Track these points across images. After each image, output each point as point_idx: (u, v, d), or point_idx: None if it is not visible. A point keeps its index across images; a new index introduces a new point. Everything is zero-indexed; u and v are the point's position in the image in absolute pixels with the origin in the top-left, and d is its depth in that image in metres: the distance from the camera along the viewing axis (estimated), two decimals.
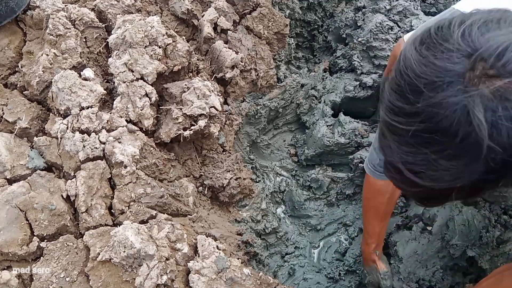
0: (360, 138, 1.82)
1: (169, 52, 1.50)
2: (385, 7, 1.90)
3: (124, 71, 1.42)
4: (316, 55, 2.21)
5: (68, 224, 1.23)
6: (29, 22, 1.50)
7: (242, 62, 1.69)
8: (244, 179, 1.66)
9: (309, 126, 1.94)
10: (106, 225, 1.26)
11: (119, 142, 1.33)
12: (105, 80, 1.51)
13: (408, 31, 1.83)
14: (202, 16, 1.73)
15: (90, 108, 1.35)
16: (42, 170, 1.31)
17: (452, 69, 0.65)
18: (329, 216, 1.85)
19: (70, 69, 1.40)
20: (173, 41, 1.50)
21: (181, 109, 1.46)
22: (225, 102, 1.73)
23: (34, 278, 1.16)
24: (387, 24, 1.84)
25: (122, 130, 1.35)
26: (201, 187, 1.61)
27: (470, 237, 1.44)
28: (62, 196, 1.26)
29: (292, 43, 2.00)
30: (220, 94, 1.59)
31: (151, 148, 1.40)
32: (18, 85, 1.44)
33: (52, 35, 1.41)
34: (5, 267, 1.19)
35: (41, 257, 1.19)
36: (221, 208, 1.67)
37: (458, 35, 0.67)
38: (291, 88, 1.89)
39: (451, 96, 0.64)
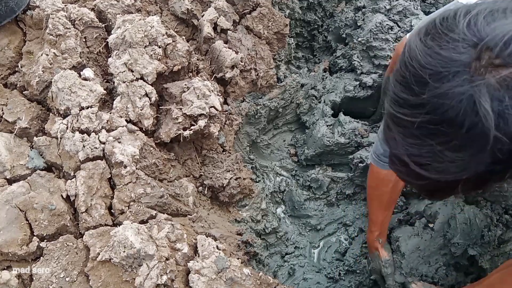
0: (360, 138, 1.82)
1: (169, 52, 1.50)
2: (385, 7, 1.90)
3: (124, 71, 1.42)
4: (316, 55, 2.21)
5: (68, 224, 1.23)
6: (29, 22, 1.50)
7: (242, 62, 1.69)
8: (244, 179, 1.66)
9: (309, 126, 1.94)
10: (106, 225, 1.26)
11: (119, 142, 1.33)
12: (105, 80, 1.51)
13: (408, 31, 1.83)
14: (202, 16, 1.73)
15: (90, 108, 1.35)
16: (42, 170, 1.31)
17: (458, 59, 0.65)
18: (329, 216, 1.85)
19: (70, 69, 1.40)
20: (173, 41, 1.50)
21: (181, 109, 1.46)
22: (225, 102, 1.73)
23: (34, 278, 1.15)
24: (387, 24, 1.84)
25: (122, 130, 1.35)
26: (201, 187, 1.61)
27: (471, 236, 1.43)
28: (62, 196, 1.26)
29: (292, 43, 2.00)
30: (220, 94, 1.59)
31: (151, 148, 1.40)
32: (18, 85, 1.44)
33: (52, 35, 1.41)
34: (5, 267, 1.19)
35: (41, 257, 1.19)
36: (221, 208, 1.67)
37: (464, 25, 0.67)
38: (291, 88, 1.89)
39: (457, 86, 0.64)
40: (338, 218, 1.85)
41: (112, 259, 1.14)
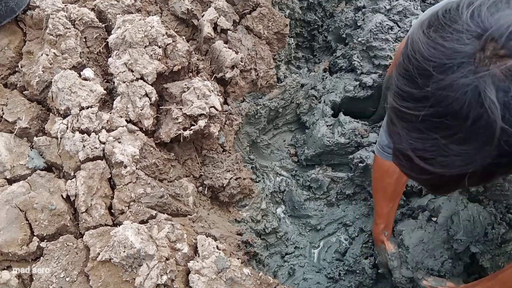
0: (360, 138, 1.82)
1: (169, 52, 1.50)
2: (385, 7, 1.90)
3: (124, 71, 1.42)
4: (316, 55, 2.21)
5: (68, 224, 1.23)
6: (29, 22, 1.50)
7: (242, 62, 1.69)
8: (244, 179, 1.66)
9: (309, 126, 1.94)
10: (106, 225, 1.26)
11: (119, 142, 1.33)
12: (105, 80, 1.51)
13: (408, 31, 1.83)
14: (202, 16, 1.73)
15: (90, 108, 1.35)
16: (42, 170, 1.31)
17: (462, 50, 0.64)
18: (329, 216, 1.85)
19: (70, 69, 1.40)
20: (173, 41, 1.50)
21: (181, 109, 1.46)
22: (225, 102, 1.73)
23: (34, 278, 1.16)
24: (387, 24, 1.84)
25: (122, 130, 1.35)
26: (201, 187, 1.61)
27: (474, 233, 1.42)
28: (62, 196, 1.26)
29: (292, 43, 2.00)
30: (220, 94, 1.59)
31: (151, 148, 1.40)
32: (18, 85, 1.44)
33: (52, 35, 1.41)
34: (5, 267, 1.19)
35: (41, 257, 1.19)
36: (221, 208, 1.67)
37: (467, 16, 0.66)
38: (291, 88, 1.89)
39: (462, 77, 0.63)
40: (338, 218, 1.85)
41: (112, 259, 1.14)
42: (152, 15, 1.59)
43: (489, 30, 0.63)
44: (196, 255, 1.27)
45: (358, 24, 1.95)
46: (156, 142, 1.46)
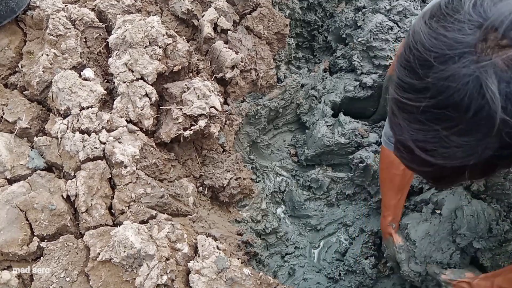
0: (360, 138, 1.82)
1: (169, 52, 1.50)
2: (385, 7, 1.90)
3: (124, 71, 1.42)
4: (316, 55, 2.21)
5: (68, 224, 1.23)
6: (29, 22, 1.50)
7: (242, 62, 1.69)
8: (244, 179, 1.66)
9: (309, 126, 1.94)
10: (106, 225, 1.27)
11: (119, 142, 1.33)
12: (105, 80, 1.52)
13: (408, 31, 1.83)
14: (202, 16, 1.73)
15: (90, 108, 1.35)
16: (42, 170, 1.31)
17: (464, 40, 0.63)
18: (329, 216, 1.85)
19: (70, 69, 1.40)
20: (173, 41, 1.50)
21: (181, 109, 1.46)
22: (225, 102, 1.73)
23: (34, 278, 1.16)
24: (387, 24, 1.84)
25: (122, 130, 1.35)
26: (201, 187, 1.61)
27: (477, 229, 1.41)
28: (62, 196, 1.26)
29: (292, 43, 2.01)
30: (220, 94, 1.59)
31: (151, 148, 1.40)
32: (18, 85, 1.44)
33: (52, 35, 1.41)
34: (5, 267, 1.19)
35: (41, 257, 1.19)
36: (221, 208, 1.67)
37: (470, 6, 0.65)
38: (291, 88, 1.89)
39: (463, 68, 0.62)
40: (338, 218, 1.85)
41: (113, 259, 1.14)
42: (152, 15, 1.59)
43: (490, 20, 0.62)
44: (196, 255, 1.27)
45: (358, 24, 1.95)
46: (156, 142, 1.46)
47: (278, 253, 1.77)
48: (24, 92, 1.43)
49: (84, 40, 1.50)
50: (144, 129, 1.42)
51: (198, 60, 1.67)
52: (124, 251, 1.13)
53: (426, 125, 0.68)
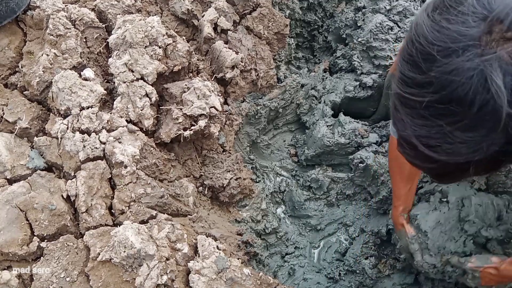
0: (360, 138, 1.82)
1: (169, 52, 1.50)
2: (385, 7, 1.90)
3: (124, 71, 1.42)
4: (316, 55, 2.21)
5: (68, 224, 1.23)
6: (29, 22, 1.50)
7: (242, 62, 1.69)
8: (244, 179, 1.66)
9: (309, 126, 1.94)
10: (106, 225, 1.27)
11: (119, 142, 1.33)
12: (105, 80, 1.52)
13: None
14: (202, 16, 1.73)
15: (90, 108, 1.35)
16: (42, 170, 1.31)
17: (467, 33, 0.62)
18: (329, 216, 1.85)
19: (70, 69, 1.40)
20: (173, 41, 1.50)
21: (181, 109, 1.46)
22: (225, 102, 1.73)
23: (34, 278, 1.16)
24: (387, 24, 1.84)
25: (122, 130, 1.35)
26: (201, 187, 1.61)
27: (485, 218, 1.37)
28: (62, 196, 1.26)
29: (292, 43, 2.01)
30: (220, 94, 1.59)
31: (151, 148, 1.40)
32: (18, 85, 1.44)
33: (52, 35, 1.41)
34: (5, 267, 1.19)
35: (41, 257, 1.19)
36: (221, 208, 1.67)
37: None
38: (291, 88, 1.89)
39: (467, 61, 0.60)
40: (338, 218, 1.85)
41: (113, 259, 1.14)
42: (153, 15, 1.59)
43: (496, 12, 0.61)
44: (196, 255, 1.27)
45: (358, 24, 1.95)
46: (156, 142, 1.46)
47: (278, 253, 1.77)
48: (24, 92, 1.43)
49: (84, 40, 1.50)
50: (144, 129, 1.42)
51: (198, 60, 1.67)
52: (124, 251, 1.13)
53: (429, 120, 0.66)
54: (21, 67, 1.43)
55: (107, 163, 1.33)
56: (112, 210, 1.30)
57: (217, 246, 1.29)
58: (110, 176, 1.32)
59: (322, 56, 2.20)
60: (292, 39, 2.04)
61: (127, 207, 1.30)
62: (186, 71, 1.58)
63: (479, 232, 1.39)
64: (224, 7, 1.73)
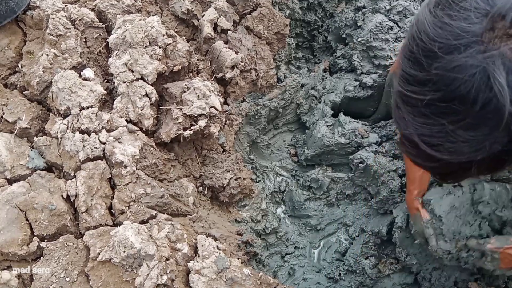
0: (360, 138, 1.82)
1: (169, 52, 1.50)
2: (385, 7, 1.90)
3: (124, 71, 1.42)
4: (316, 55, 2.21)
5: (68, 224, 1.23)
6: (29, 22, 1.50)
7: (242, 62, 1.69)
8: (244, 179, 1.66)
9: (309, 126, 1.94)
10: (106, 225, 1.27)
11: (119, 142, 1.33)
12: (105, 80, 1.52)
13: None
14: (202, 16, 1.73)
15: (90, 108, 1.35)
16: (42, 170, 1.31)
17: (470, 29, 0.60)
18: (329, 216, 1.85)
19: (70, 69, 1.40)
20: (173, 41, 1.50)
21: (181, 109, 1.46)
22: (225, 102, 1.73)
23: (34, 278, 1.16)
24: (387, 24, 1.84)
25: (122, 130, 1.35)
26: (201, 187, 1.61)
27: (499, 201, 1.34)
28: (62, 196, 1.26)
29: (292, 43, 2.01)
30: (220, 94, 1.59)
31: (151, 148, 1.40)
32: (18, 85, 1.44)
33: (52, 35, 1.41)
34: (5, 267, 1.19)
35: (41, 257, 1.19)
36: (221, 208, 1.67)
37: None
38: (291, 88, 1.89)
39: (469, 59, 0.59)
40: (338, 218, 1.85)
41: (112, 259, 1.14)
42: (152, 15, 1.59)
43: (499, 7, 0.60)
44: (196, 255, 1.27)
45: (358, 24, 1.95)
46: (156, 142, 1.46)
47: (278, 253, 1.77)
48: (24, 92, 1.43)
49: (84, 40, 1.50)
50: (144, 129, 1.42)
51: (198, 60, 1.67)
52: (124, 251, 1.13)
53: (431, 119, 0.66)
54: (21, 67, 1.43)
55: (107, 163, 1.33)
56: (112, 210, 1.30)
57: (217, 246, 1.29)
58: (110, 176, 1.32)
59: (322, 56, 2.20)
60: (292, 39, 2.04)
61: (127, 207, 1.30)
62: (186, 71, 1.58)
63: (493, 214, 1.35)
64: (224, 7, 1.73)
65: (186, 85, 1.49)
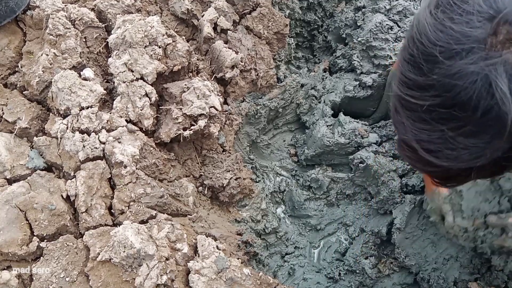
0: (360, 138, 1.82)
1: (169, 52, 1.50)
2: (385, 7, 1.90)
3: (124, 71, 1.42)
4: (316, 55, 2.21)
5: (68, 224, 1.23)
6: (29, 22, 1.50)
7: (242, 62, 1.69)
8: (244, 179, 1.66)
9: (309, 126, 1.94)
10: (106, 225, 1.26)
11: (119, 142, 1.33)
12: (105, 80, 1.51)
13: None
14: (202, 16, 1.73)
15: (90, 108, 1.35)
16: (42, 170, 1.31)
17: (472, 34, 0.59)
18: (329, 216, 1.85)
19: (70, 69, 1.40)
20: (173, 41, 1.50)
21: (181, 109, 1.46)
22: (225, 102, 1.73)
23: (34, 278, 1.16)
24: (387, 24, 1.84)
25: (122, 130, 1.35)
26: (201, 187, 1.61)
27: None
28: (62, 196, 1.26)
29: (292, 43, 2.01)
30: (220, 94, 1.59)
31: (151, 148, 1.40)
32: (18, 85, 1.44)
33: (52, 35, 1.41)
34: (5, 267, 1.19)
35: (41, 257, 1.19)
36: (221, 208, 1.67)
37: None
38: (291, 88, 1.89)
39: (471, 65, 0.58)
40: (338, 218, 1.85)
41: (112, 259, 1.14)
42: (152, 15, 1.59)
43: (502, 12, 0.58)
44: (196, 255, 1.27)
45: (358, 24, 1.95)
46: (156, 142, 1.46)
47: (278, 253, 1.77)
48: (23, 92, 1.43)
49: (84, 40, 1.50)
50: (144, 129, 1.42)
51: (198, 60, 1.67)
52: (124, 251, 1.13)
53: (431, 124, 0.64)
54: (21, 67, 1.43)
55: (106, 163, 1.32)
56: (112, 210, 1.30)
57: (217, 246, 1.29)
58: (109, 176, 1.32)
59: (322, 56, 2.20)
60: (292, 38, 2.04)
61: (127, 207, 1.30)
62: (186, 71, 1.57)
63: None
64: (224, 6, 1.73)
65: (186, 85, 1.49)
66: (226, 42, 1.72)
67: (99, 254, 1.16)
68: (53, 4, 1.49)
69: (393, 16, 1.88)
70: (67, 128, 1.33)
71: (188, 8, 1.69)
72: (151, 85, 1.44)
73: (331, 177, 1.86)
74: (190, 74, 1.59)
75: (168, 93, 1.50)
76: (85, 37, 1.50)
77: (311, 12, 2.12)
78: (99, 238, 1.21)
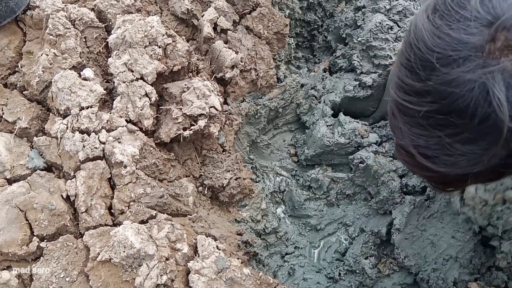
0: (360, 138, 1.82)
1: (169, 52, 1.50)
2: (385, 7, 1.90)
3: (124, 71, 1.42)
4: (316, 55, 2.21)
5: (68, 224, 1.23)
6: (29, 22, 1.50)
7: (242, 62, 1.69)
8: (244, 179, 1.66)
9: (309, 126, 1.94)
10: (106, 225, 1.26)
11: (119, 142, 1.33)
12: (105, 80, 1.51)
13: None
14: (202, 16, 1.73)
15: (90, 108, 1.35)
16: (42, 170, 1.31)
17: (469, 41, 0.58)
18: (329, 216, 1.85)
19: (70, 69, 1.40)
20: (173, 41, 1.50)
21: (181, 109, 1.46)
22: (225, 102, 1.73)
23: (34, 278, 1.16)
24: (387, 24, 1.84)
25: (122, 130, 1.35)
26: (201, 187, 1.61)
27: None
28: (62, 196, 1.26)
29: (292, 43, 2.01)
30: (220, 94, 1.59)
31: (151, 148, 1.40)
32: (18, 85, 1.44)
33: (52, 35, 1.41)
34: (5, 267, 1.19)
35: (41, 257, 1.19)
36: (221, 208, 1.67)
37: (477, 1, 0.60)
38: (291, 88, 1.89)
39: (468, 72, 0.57)
40: (338, 218, 1.85)
41: (112, 259, 1.14)
42: (152, 15, 1.59)
43: (500, 18, 0.57)
44: (196, 255, 1.27)
45: (358, 24, 1.95)
46: (156, 142, 1.46)
47: (278, 253, 1.77)
48: (23, 92, 1.43)
49: (84, 40, 1.50)
50: (144, 129, 1.42)
51: (198, 60, 1.67)
52: (124, 251, 1.13)
53: (428, 130, 0.64)
54: (21, 67, 1.43)
55: (106, 163, 1.32)
56: (112, 210, 1.30)
57: (217, 246, 1.29)
58: (109, 176, 1.32)
59: (322, 55, 2.20)
60: (292, 38, 2.04)
61: (127, 207, 1.30)
62: (186, 71, 1.57)
63: None
64: (224, 6, 1.73)
65: (186, 85, 1.49)
66: (226, 42, 1.72)
67: (99, 254, 1.16)
68: (53, 4, 1.49)
69: (393, 16, 1.88)
70: (67, 128, 1.33)
71: (188, 8, 1.69)
72: (151, 85, 1.44)
73: (331, 177, 1.86)
74: (190, 74, 1.59)
75: (168, 93, 1.50)
76: (85, 37, 1.50)
77: (311, 12, 2.12)
78: (99, 238, 1.21)
